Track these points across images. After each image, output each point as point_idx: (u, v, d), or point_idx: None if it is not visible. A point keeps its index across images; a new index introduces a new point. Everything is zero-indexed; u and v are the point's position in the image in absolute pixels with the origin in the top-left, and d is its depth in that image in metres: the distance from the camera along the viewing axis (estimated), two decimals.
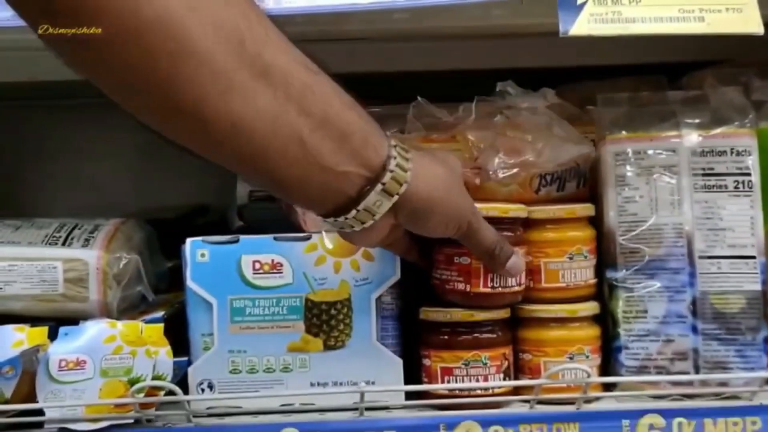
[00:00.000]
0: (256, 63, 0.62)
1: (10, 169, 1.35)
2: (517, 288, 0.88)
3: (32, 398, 0.82)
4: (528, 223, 0.90)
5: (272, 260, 0.88)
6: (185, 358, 0.89)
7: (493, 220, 0.84)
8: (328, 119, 0.66)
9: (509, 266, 0.85)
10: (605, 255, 0.91)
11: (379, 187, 0.71)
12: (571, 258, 0.89)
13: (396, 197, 0.72)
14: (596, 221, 0.92)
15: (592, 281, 0.91)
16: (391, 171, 0.71)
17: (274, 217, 0.94)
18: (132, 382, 0.82)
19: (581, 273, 0.90)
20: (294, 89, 0.64)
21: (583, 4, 0.78)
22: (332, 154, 0.67)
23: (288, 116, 0.64)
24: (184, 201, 1.30)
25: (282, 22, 0.88)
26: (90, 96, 1.28)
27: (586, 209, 0.91)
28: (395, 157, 0.71)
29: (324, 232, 0.89)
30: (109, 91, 0.61)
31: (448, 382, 0.87)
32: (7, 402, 0.81)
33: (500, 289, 0.87)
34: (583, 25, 0.78)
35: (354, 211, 0.71)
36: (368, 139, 0.70)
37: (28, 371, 0.82)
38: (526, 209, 0.89)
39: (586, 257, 0.90)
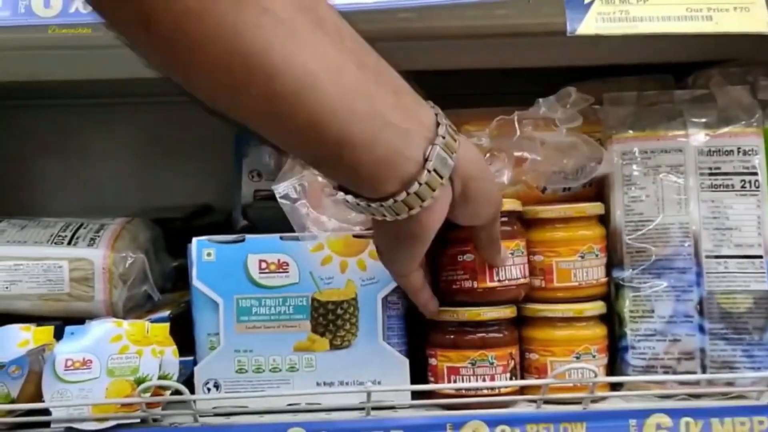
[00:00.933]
0: (312, 12, 0.59)
1: (11, 169, 1.35)
2: (522, 280, 0.89)
3: (39, 398, 0.82)
4: (538, 223, 0.90)
5: (278, 260, 0.88)
6: (191, 358, 0.89)
7: None
8: (382, 74, 0.64)
9: (503, 256, 0.86)
10: (612, 254, 0.92)
11: (440, 140, 0.66)
12: (582, 257, 0.89)
13: (455, 155, 0.68)
14: (603, 221, 0.92)
15: (604, 280, 0.91)
16: (445, 125, 0.67)
17: (278, 216, 0.94)
18: (138, 382, 0.82)
19: (593, 272, 0.90)
20: (348, 42, 0.61)
21: (591, 3, 0.78)
22: (394, 110, 0.63)
23: (350, 69, 0.61)
24: (186, 201, 1.30)
25: None
26: (92, 96, 1.31)
27: (595, 208, 0.91)
28: (439, 114, 0.68)
29: (325, 233, 0.89)
30: (171, 54, 0.57)
31: (455, 381, 0.87)
32: (13, 402, 0.82)
33: (507, 282, 0.88)
34: (590, 24, 0.78)
35: (425, 173, 0.66)
36: (416, 96, 0.67)
37: (34, 371, 0.83)
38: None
39: (597, 256, 0.90)
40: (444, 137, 0.67)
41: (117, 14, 0.56)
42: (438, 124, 0.67)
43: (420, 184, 0.66)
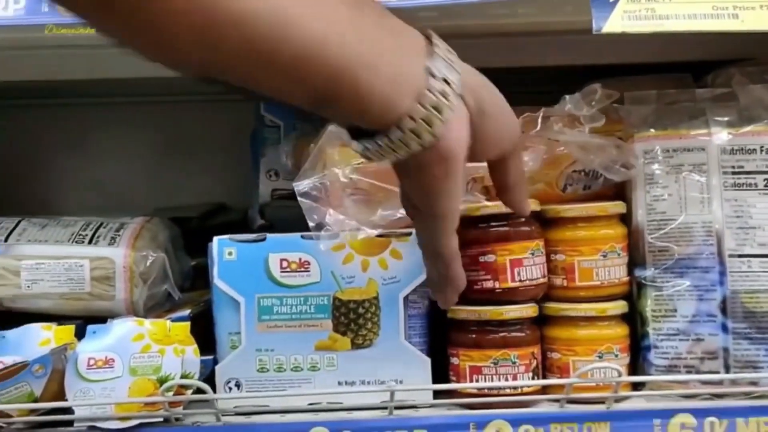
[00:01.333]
0: None
1: (26, 168, 1.35)
2: (541, 280, 0.90)
3: (62, 396, 0.82)
4: (560, 222, 0.90)
5: (300, 258, 0.88)
6: (210, 357, 0.89)
7: (509, 215, 0.86)
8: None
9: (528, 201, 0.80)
10: (634, 253, 0.91)
11: (439, 51, 0.61)
12: (604, 256, 0.89)
13: (460, 66, 0.62)
14: (624, 219, 0.92)
15: (626, 279, 0.91)
16: (439, 40, 0.62)
17: (296, 215, 0.94)
18: (161, 381, 0.82)
19: (615, 271, 0.90)
20: None
21: (616, 1, 0.78)
22: (383, 31, 0.59)
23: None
24: (197, 200, 1.30)
25: None
26: (107, 95, 1.31)
27: (617, 206, 0.91)
28: (432, 35, 0.63)
29: (346, 232, 0.89)
30: (137, 28, 0.53)
31: (477, 381, 0.87)
32: (36, 400, 0.82)
33: (527, 282, 0.88)
34: (616, 22, 0.78)
35: (436, 81, 0.60)
36: (400, 21, 0.62)
37: (57, 369, 0.82)
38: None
39: (619, 255, 0.90)
40: (440, 47, 0.62)
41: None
42: (430, 41, 0.62)
43: (433, 94, 0.60)
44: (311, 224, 0.89)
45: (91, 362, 0.82)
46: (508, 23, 0.95)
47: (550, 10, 0.90)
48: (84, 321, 0.89)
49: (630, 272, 0.92)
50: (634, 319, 0.92)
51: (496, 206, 0.87)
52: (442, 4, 0.83)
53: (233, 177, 1.29)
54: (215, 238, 0.89)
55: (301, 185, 0.91)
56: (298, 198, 0.91)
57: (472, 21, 0.93)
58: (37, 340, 0.85)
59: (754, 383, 0.86)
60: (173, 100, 1.32)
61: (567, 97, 0.90)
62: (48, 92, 1.28)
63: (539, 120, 0.89)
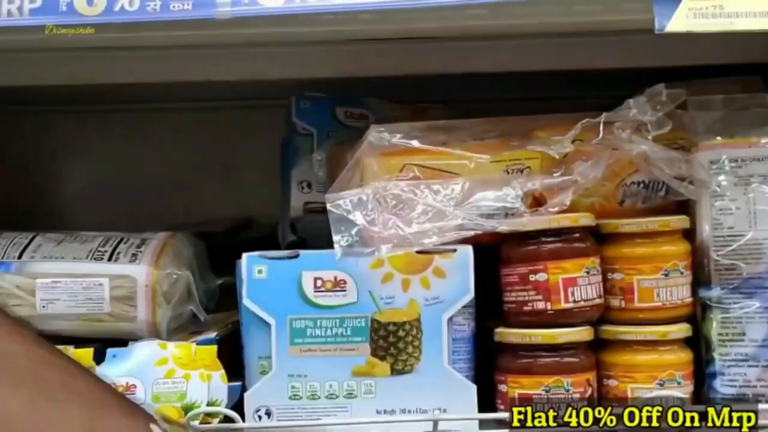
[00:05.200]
0: None
1: (40, 180, 1.36)
2: (597, 300, 0.88)
3: None
4: (617, 238, 0.89)
5: (335, 277, 0.87)
6: (238, 383, 0.89)
7: (563, 231, 0.86)
8: None
9: None
10: (698, 272, 0.90)
11: None
12: (666, 275, 0.88)
13: None
14: (688, 235, 0.91)
15: (689, 300, 0.90)
16: None
17: (330, 231, 0.93)
18: (186, 409, 0.82)
19: (678, 291, 0.88)
20: None
21: None
22: None
23: None
24: (224, 213, 1.30)
25: (343, 19, 0.88)
26: (130, 101, 1.31)
27: (681, 221, 0.89)
28: None
29: (386, 248, 0.88)
30: None
31: None
32: None
33: (582, 303, 0.87)
34: (681, 21, 0.76)
35: None
36: None
37: None
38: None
39: (682, 273, 0.89)
40: None
41: None
42: None
43: None
44: (337, 237, 0.88)
45: None
46: (562, 22, 0.94)
47: (610, 7, 0.89)
48: (103, 344, 0.89)
49: (694, 292, 0.90)
50: (698, 344, 0.91)
51: (547, 221, 0.86)
52: (492, 1, 0.82)
53: (262, 189, 1.28)
54: (244, 255, 0.89)
55: (334, 198, 0.90)
56: (328, 208, 0.90)
57: (523, 20, 0.92)
58: None
59: None
60: (196, 107, 1.33)
61: (630, 100, 0.89)
62: (67, 99, 1.28)
63: (601, 127, 0.87)
